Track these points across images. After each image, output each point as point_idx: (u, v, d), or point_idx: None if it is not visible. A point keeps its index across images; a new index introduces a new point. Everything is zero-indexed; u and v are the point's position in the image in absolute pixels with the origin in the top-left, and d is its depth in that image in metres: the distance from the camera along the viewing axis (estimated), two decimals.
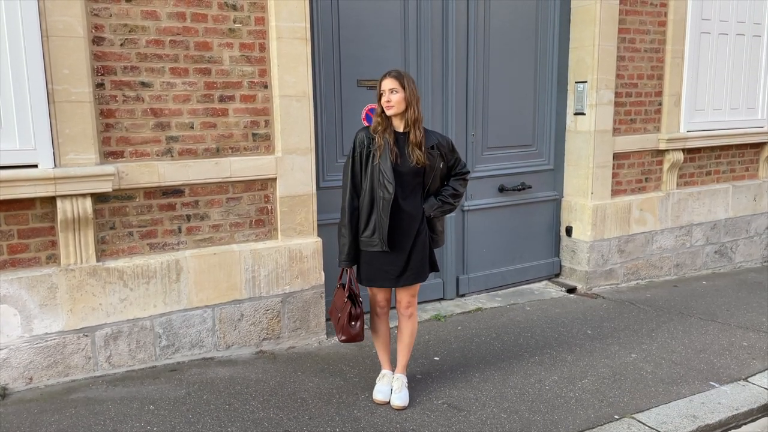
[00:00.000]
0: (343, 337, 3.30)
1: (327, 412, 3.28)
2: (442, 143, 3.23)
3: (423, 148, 3.14)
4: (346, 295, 3.26)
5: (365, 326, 3.35)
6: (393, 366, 3.47)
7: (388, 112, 3.12)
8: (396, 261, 3.16)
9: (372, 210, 3.12)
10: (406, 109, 3.12)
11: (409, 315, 3.36)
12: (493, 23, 5.01)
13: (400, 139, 3.15)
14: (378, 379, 3.41)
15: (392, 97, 3.09)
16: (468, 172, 3.39)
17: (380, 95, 3.14)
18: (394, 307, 3.45)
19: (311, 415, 3.24)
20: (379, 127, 3.14)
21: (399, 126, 3.17)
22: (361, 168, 3.15)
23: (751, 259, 6.52)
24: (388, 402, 3.31)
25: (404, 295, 3.33)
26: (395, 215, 3.11)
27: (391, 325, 3.47)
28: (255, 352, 4.03)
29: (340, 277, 3.32)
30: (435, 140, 3.21)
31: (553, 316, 4.77)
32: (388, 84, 3.10)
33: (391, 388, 3.34)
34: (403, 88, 3.09)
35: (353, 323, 3.27)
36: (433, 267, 3.36)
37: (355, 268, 3.28)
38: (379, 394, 3.34)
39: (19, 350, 3.41)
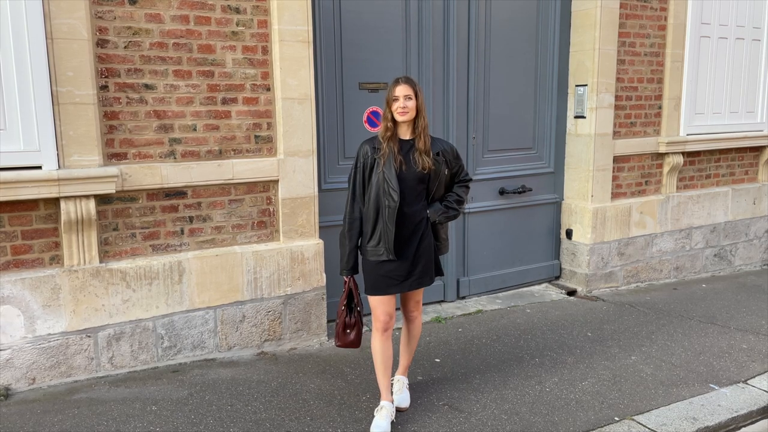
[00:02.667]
0: (339, 343, 3.29)
1: (329, 413, 3.29)
2: (446, 150, 3.22)
3: (430, 155, 3.14)
4: (344, 302, 3.26)
5: (362, 333, 3.31)
6: (399, 381, 3.43)
7: (402, 119, 3.09)
8: (401, 267, 3.14)
9: (377, 219, 3.09)
10: (416, 117, 3.11)
11: (413, 318, 3.37)
12: (494, 27, 5.03)
13: (405, 146, 3.14)
14: (376, 411, 3.18)
15: (408, 104, 3.05)
16: (470, 180, 3.38)
17: (393, 101, 3.08)
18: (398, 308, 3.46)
19: (313, 416, 3.26)
20: (387, 133, 3.11)
21: (405, 134, 3.15)
22: (364, 178, 3.13)
23: (751, 262, 6.54)
24: None
25: (410, 300, 3.33)
26: (400, 222, 3.08)
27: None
28: (256, 354, 4.05)
29: (346, 288, 3.27)
30: (440, 147, 3.20)
31: (553, 319, 4.79)
32: (403, 90, 3.06)
33: (391, 422, 3.14)
34: (416, 95, 3.08)
35: (348, 331, 3.27)
36: (439, 271, 3.36)
37: (356, 277, 3.26)
38: (377, 428, 3.07)
39: (22, 351, 3.42)
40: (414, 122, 3.12)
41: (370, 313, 3.27)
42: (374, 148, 3.12)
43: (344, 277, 3.23)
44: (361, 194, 3.15)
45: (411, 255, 3.15)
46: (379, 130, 3.19)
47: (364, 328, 3.99)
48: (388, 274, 3.13)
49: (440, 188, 3.23)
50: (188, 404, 3.34)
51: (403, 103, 3.06)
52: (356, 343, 3.30)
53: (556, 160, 5.54)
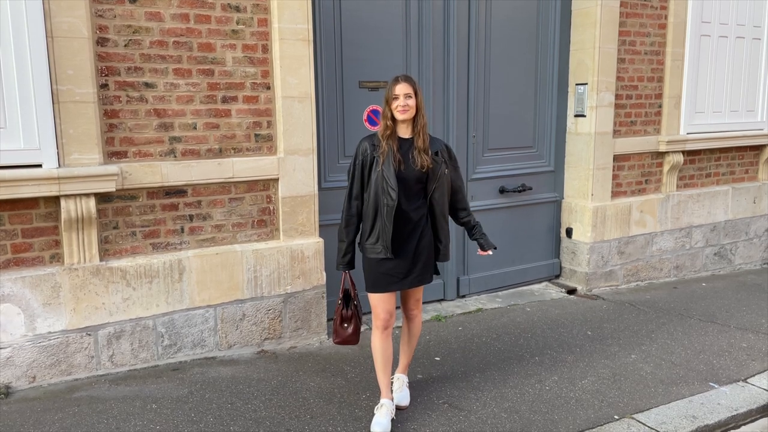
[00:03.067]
0: (337, 339, 3.32)
1: (329, 411, 3.30)
2: (443, 149, 3.22)
3: (429, 153, 3.13)
4: (341, 296, 3.28)
5: (360, 328, 3.33)
6: (402, 380, 3.44)
7: (402, 117, 3.08)
8: (400, 265, 3.14)
9: (376, 217, 3.10)
10: (415, 115, 3.11)
11: (413, 317, 3.37)
12: (494, 26, 5.03)
13: (404, 145, 3.13)
14: (376, 408, 3.17)
15: (408, 102, 3.05)
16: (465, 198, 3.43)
17: (393, 99, 3.08)
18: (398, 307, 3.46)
19: (313, 414, 3.26)
20: (387, 132, 3.11)
21: (405, 132, 3.15)
22: (363, 176, 3.13)
23: (751, 261, 6.54)
24: None
25: (410, 298, 3.33)
26: (399, 221, 3.09)
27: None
28: (256, 352, 4.05)
29: (342, 283, 3.31)
30: (438, 147, 3.20)
31: (553, 317, 4.79)
32: (403, 89, 3.06)
33: (391, 419, 3.14)
34: (416, 93, 3.09)
35: (345, 325, 3.29)
36: (435, 271, 3.35)
37: (352, 272, 3.27)
38: (378, 426, 3.07)
39: (23, 349, 3.43)
40: (413, 120, 3.13)
41: (369, 312, 3.27)
42: (374, 146, 3.13)
43: (341, 272, 3.26)
44: (359, 191, 3.15)
45: (411, 253, 3.15)
46: (378, 129, 3.18)
47: (364, 327, 4.00)
48: (389, 271, 3.13)
49: (441, 189, 3.17)
50: (188, 402, 3.35)
51: (403, 101, 3.06)
52: (354, 339, 3.31)
53: (556, 159, 5.54)
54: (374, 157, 3.10)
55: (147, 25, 3.57)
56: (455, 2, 4.78)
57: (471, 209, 3.46)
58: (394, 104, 3.08)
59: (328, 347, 4.16)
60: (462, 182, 3.37)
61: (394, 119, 3.11)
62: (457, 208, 3.35)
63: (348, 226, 3.18)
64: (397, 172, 3.07)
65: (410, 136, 3.15)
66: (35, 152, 3.31)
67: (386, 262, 3.12)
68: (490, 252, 3.39)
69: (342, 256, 3.20)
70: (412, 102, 3.07)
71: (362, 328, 3.99)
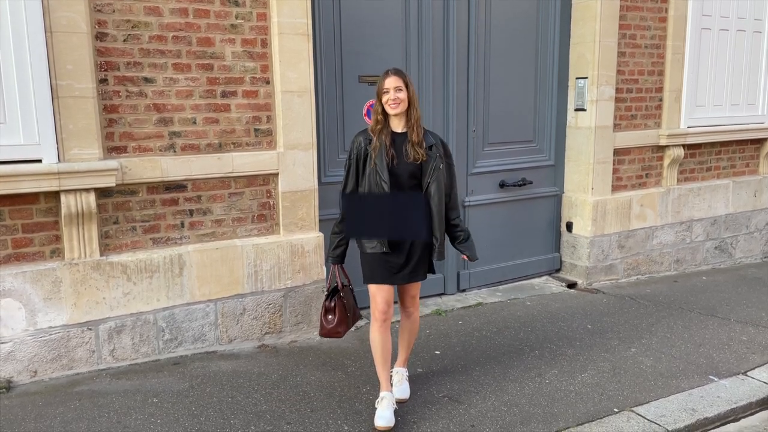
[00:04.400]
0: (321, 331, 3.30)
1: (329, 405, 3.31)
2: (438, 143, 3.18)
3: (423, 147, 3.11)
4: (329, 287, 3.30)
5: (347, 321, 3.31)
6: (402, 371, 3.44)
7: (394, 111, 3.06)
8: (396, 260, 3.15)
9: None
10: (408, 109, 3.09)
11: (410, 314, 3.36)
12: (494, 19, 5.02)
13: (398, 139, 3.11)
14: (377, 402, 3.16)
15: (399, 95, 3.03)
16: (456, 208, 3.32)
17: (383, 93, 3.06)
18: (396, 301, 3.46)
19: (313, 407, 3.27)
20: (378, 127, 3.09)
21: (398, 126, 3.13)
22: (358, 170, 3.12)
23: (751, 254, 6.54)
24: (392, 428, 3.06)
25: (406, 295, 3.33)
26: None
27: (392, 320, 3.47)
28: (257, 346, 4.06)
29: (330, 276, 3.32)
30: (432, 141, 3.16)
31: (553, 311, 4.80)
32: (392, 82, 3.04)
33: (393, 411, 3.12)
34: (407, 86, 3.06)
35: (329, 317, 3.27)
36: (430, 268, 3.32)
37: (349, 270, 3.28)
38: (381, 420, 3.05)
39: (24, 343, 3.44)
40: (407, 114, 3.10)
41: (367, 307, 3.28)
42: (369, 140, 3.11)
43: (331, 264, 3.28)
44: (354, 185, 3.15)
45: (406, 249, 3.15)
46: (370, 125, 3.15)
47: (364, 321, 4.01)
48: (384, 265, 3.14)
49: (438, 185, 3.10)
50: (189, 396, 3.36)
51: (393, 95, 3.03)
52: (337, 332, 3.27)
53: (556, 153, 5.54)
54: (368, 151, 3.09)
55: (146, 19, 3.57)
56: None
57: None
58: (385, 98, 3.05)
59: (328, 341, 4.15)
60: (455, 181, 3.26)
61: (385, 114, 3.10)
62: (448, 208, 3.22)
63: (343, 220, 3.19)
64: (390, 167, 3.05)
65: (404, 130, 3.13)
66: (35, 147, 3.31)
67: (381, 257, 3.13)
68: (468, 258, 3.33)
69: (333, 248, 3.22)
70: (402, 95, 3.05)
71: (361, 323, 4.01)
